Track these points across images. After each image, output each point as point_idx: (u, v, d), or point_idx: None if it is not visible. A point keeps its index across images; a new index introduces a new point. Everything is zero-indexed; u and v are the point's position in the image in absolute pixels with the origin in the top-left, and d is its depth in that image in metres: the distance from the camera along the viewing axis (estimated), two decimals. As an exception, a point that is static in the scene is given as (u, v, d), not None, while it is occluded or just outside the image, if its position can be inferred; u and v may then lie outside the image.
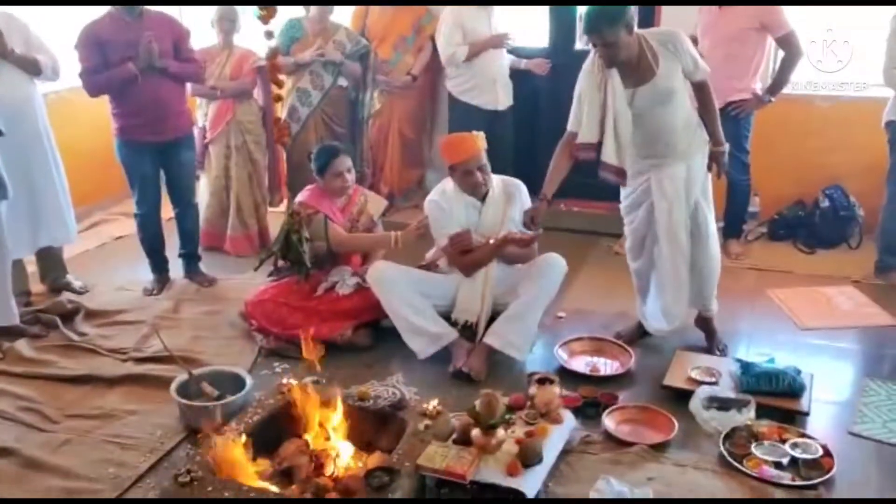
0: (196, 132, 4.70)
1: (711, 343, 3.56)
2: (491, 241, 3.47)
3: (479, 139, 3.47)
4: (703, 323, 3.59)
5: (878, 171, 4.34)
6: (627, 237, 3.58)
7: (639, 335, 3.63)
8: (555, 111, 5.45)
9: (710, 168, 3.39)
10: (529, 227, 3.31)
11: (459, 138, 3.53)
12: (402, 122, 5.51)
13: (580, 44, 5.44)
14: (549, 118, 5.50)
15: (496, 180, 3.57)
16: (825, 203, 4.79)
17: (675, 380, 3.20)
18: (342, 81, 4.96)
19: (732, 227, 4.76)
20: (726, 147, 3.39)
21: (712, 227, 3.42)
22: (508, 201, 3.55)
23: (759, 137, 4.58)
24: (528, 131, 5.44)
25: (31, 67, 3.86)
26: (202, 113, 4.92)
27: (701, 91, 3.31)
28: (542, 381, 3.01)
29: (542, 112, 5.51)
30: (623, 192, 3.49)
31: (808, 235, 4.81)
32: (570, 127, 3.34)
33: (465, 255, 3.51)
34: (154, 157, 4.13)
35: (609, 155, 3.20)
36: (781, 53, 4.35)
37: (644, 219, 3.43)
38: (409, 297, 3.49)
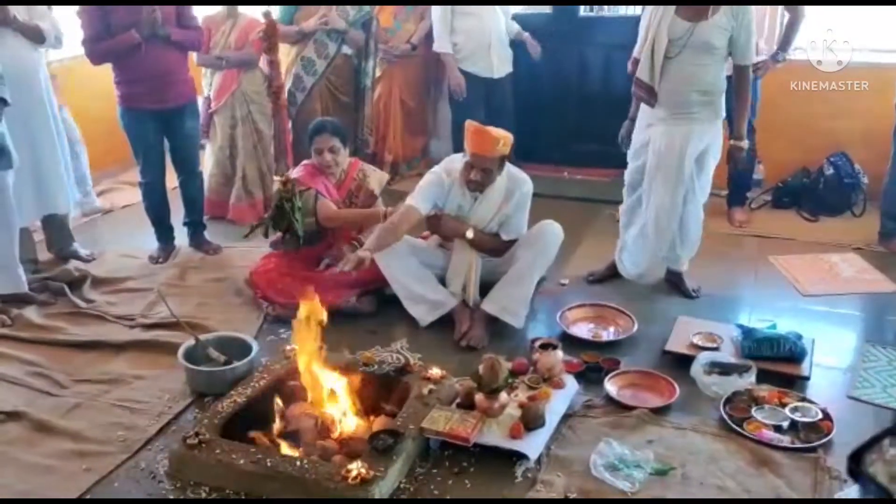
0: (201, 101, 4.69)
1: (684, 290, 3.74)
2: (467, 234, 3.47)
3: (501, 144, 3.29)
4: (673, 277, 3.77)
5: (883, 137, 4.32)
6: (627, 175, 3.73)
7: (610, 275, 3.81)
8: (557, 79, 5.46)
9: (729, 160, 3.58)
10: None
11: (480, 131, 3.31)
12: (403, 90, 5.48)
13: (584, 10, 5.42)
14: (551, 86, 5.49)
15: (505, 173, 3.46)
16: (829, 171, 4.78)
17: (676, 345, 3.23)
18: (346, 50, 4.93)
19: (737, 194, 4.75)
20: (746, 144, 3.52)
21: (700, 197, 3.58)
22: (507, 197, 3.48)
23: (764, 105, 4.55)
24: (529, 99, 5.41)
25: (34, 35, 3.85)
26: (207, 82, 4.90)
27: (739, 77, 3.44)
28: (545, 347, 3.06)
29: (544, 79, 5.47)
30: (634, 135, 3.66)
31: (812, 203, 4.80)
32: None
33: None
34: (157, 126, 4.13)
35: (642, 72, 3.41)
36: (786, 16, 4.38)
37: (640, 169, 3.62)
38: (410, 266, 3.52)
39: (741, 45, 3.33)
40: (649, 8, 3.44)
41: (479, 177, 3.36)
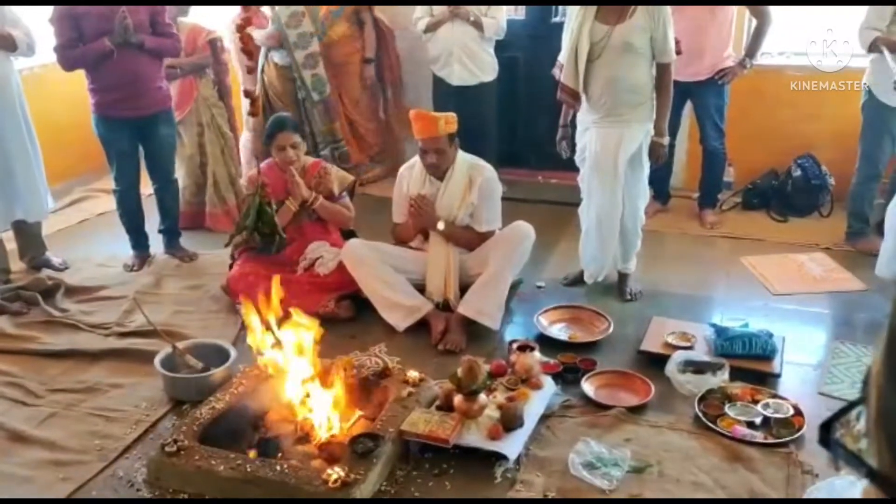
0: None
1: (621, 290, 3.81)
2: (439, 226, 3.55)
3: (443, 122, 3.43)
4: (619, 277, 3.86)
5: (848, 140, 4.42)
6: (579, 178, 3.81)
7: (582, 279, 3.88)
8: (530, 84, 5.49)
9: (650, 156, 3.59)
10: None
11: (420, 116, 3.50)
12: (349, 107, 5.42)
13: (557, 17, 5.45)
14: (526, 91, 5.52)
15: (466, 161, 3.59)
16: (797, 172, 4.86)
17: (651, 345, 3.27)
18: (276, 58, 4.97)
19: (708, 196, 4.82)
20: (667, 140, 3.60)
21: (638, 198, 3.68)
22: (470, 184, 3.56)
23: (733, 109, 4.64)
24: (507, 107, 5.42)
25: (6, 43, 3.81)
26: None
27: (661, 76, 3.50)
28: (523, 348, 3.09)
29: (518, 85, 5.50)
30: (577, 140, 3.75)
31: (781, 204, 4.88)
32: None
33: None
34: (132, 133, 4.11)
35: (567, 77, 3.53)
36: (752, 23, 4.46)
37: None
38: (383, 272, 3.55)
39: (659, 43, 3.40)
40: (572, 16, 3.53)
41: (434, 159, 3.48)
